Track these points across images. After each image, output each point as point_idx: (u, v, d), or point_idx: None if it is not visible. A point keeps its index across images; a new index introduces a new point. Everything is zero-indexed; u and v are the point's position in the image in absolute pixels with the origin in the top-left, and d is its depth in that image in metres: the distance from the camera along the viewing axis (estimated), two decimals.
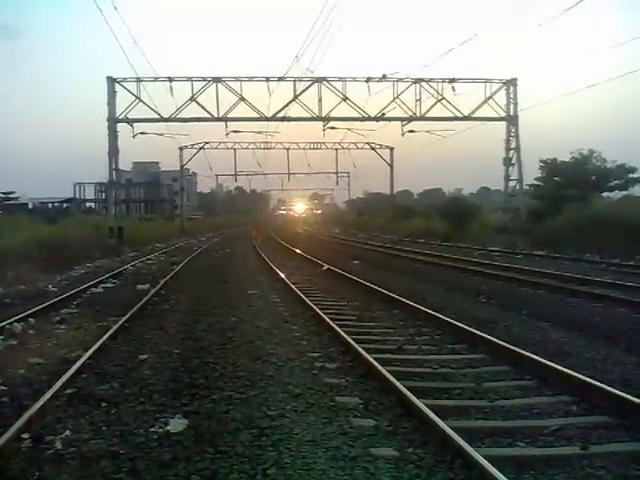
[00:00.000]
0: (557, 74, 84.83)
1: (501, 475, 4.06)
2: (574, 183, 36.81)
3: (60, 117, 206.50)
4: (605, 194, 39.10)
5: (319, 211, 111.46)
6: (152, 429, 5.34)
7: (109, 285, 16.68)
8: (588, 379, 6.20)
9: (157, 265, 23.74)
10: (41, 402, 5.84)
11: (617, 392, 5.74)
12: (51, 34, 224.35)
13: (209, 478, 4.37)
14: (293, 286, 14.58)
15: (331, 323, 9.68)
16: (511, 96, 33.92)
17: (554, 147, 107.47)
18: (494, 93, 33.46)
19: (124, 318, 10.49)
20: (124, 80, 31.92)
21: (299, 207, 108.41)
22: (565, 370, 6.57)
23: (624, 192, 38.90)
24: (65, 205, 70.64)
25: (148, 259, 26.49)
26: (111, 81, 31.88)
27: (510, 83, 33.66)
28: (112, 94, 31.99)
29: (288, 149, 56.63)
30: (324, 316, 10.34)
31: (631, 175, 38.98)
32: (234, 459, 4.65)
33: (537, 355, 7.28)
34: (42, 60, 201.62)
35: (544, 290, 14.25)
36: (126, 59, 62.81)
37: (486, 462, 4.24)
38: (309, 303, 11.88)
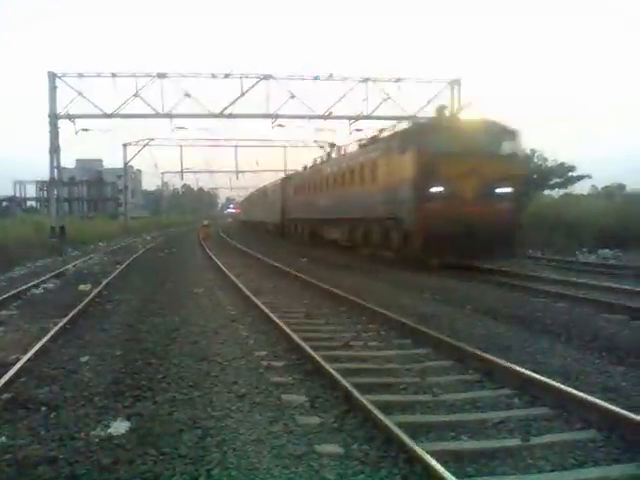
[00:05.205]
0: (500, 74, 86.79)
1: (443, 469, 4.10)
2: None
3: None
4: (546, 192, 40.23)
5: None
6: (93, 432, 5.20)
7: (50, 286, 16.20)
8: (529, 372, 6.36)
9: (100, 265, 23.17)
10: None
11: (556, 384, 5.90)
12: None
13: None
14: (241, 285, 14.45)
15: (278, 321, 9.64)
16: (455, 96, 34.49)
17: None
18: (439, 93, 33.96)
19: (65, 319, 10.20)
20: (65, 75, 31.03)
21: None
22: (507, 364, 6.72)
23: (564, 190, 40.15)
24: (5, 204, 68.37)
25: (91, 259, 25.86)
26: (52, 76, 30.90)
27: (455, 83, 34.21)
28: (53, 89, 30.99)
29: (236, 147, 56.18)
30: (271, 314, 10.28)
31: (571, 173, 40.24)
32: (177, 461, 4.57)
33: (480, 350, 7.42)
34: None
35: (487, 285, 14.54)
36: (68, 54, 61.05)
37: (429, 457, 4.29)
38: (256, 302, 11.78)
